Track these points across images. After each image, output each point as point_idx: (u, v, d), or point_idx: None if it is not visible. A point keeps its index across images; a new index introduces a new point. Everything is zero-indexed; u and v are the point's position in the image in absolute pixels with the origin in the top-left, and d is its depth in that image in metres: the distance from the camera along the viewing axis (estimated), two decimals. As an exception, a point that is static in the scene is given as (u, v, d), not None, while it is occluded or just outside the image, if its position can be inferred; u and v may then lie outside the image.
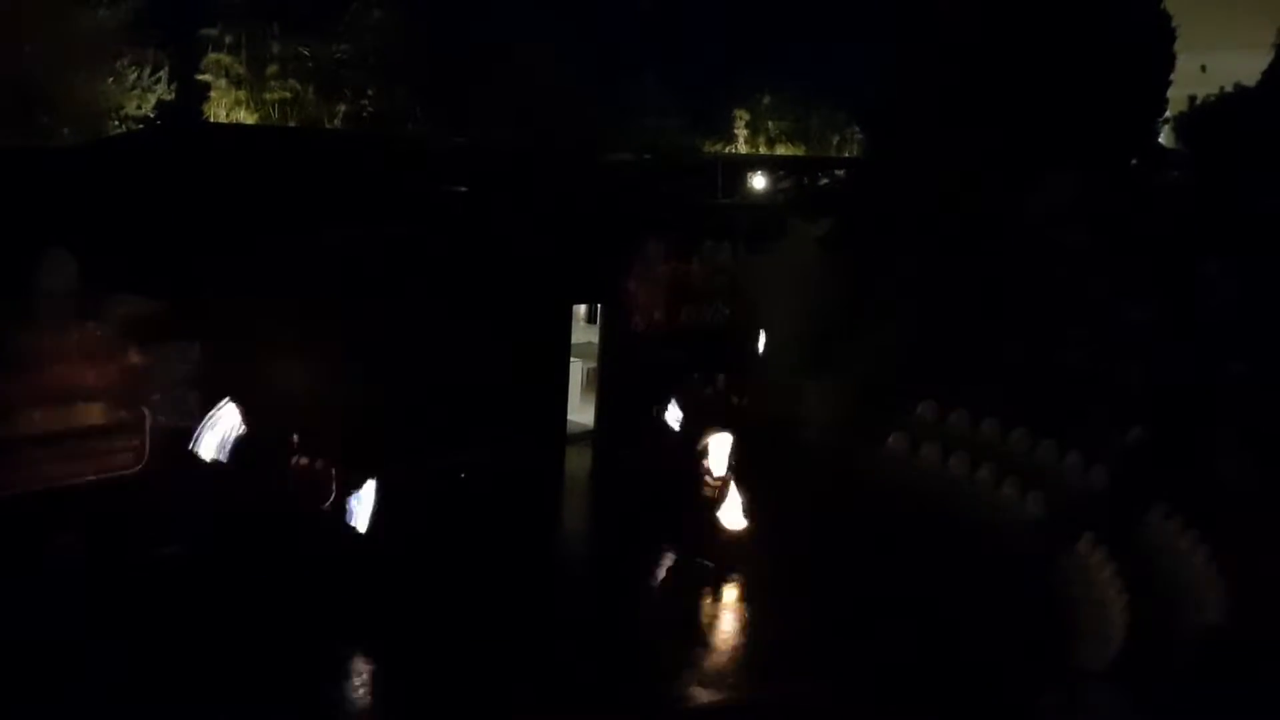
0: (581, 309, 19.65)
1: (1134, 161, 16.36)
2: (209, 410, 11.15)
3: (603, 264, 16.99)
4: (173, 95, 20.07)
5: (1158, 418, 13.07)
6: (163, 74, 19.82)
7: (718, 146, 29.33)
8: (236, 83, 21.59)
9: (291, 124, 21.79)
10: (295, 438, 11.54)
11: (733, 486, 12.77)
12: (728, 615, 11.78)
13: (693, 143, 28.73)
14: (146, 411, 10.94)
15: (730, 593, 12.13)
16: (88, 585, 9.95)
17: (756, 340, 17.66)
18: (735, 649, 10.87)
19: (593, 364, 18.85)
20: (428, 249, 15.59)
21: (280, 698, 8.98)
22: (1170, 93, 16.77)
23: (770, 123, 30.34)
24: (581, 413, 18.62)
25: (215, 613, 9.96)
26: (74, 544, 10.15)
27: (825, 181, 26.04)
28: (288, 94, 21.92)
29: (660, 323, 17.38)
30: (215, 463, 11.07)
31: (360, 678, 9.65)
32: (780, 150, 29.89)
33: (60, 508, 10.36)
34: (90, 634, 9.41)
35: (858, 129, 30.29)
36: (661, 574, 12.58)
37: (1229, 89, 16.44)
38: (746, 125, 29.99)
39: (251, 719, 8.77)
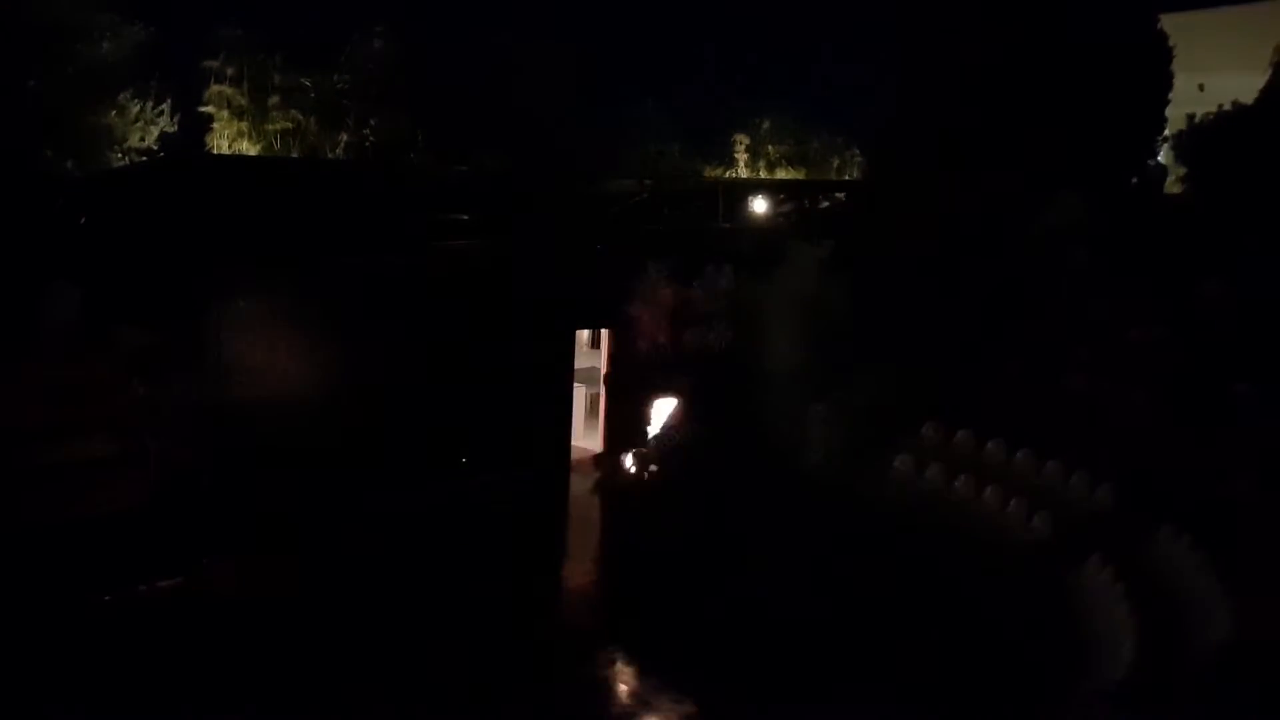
0: (584, 334, 19.68)
1: (1134, 180, 16.41)
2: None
3: (605, 289, 17.03)
4: (175, 127, 20.12)
5: (1161, 437, 13.02)
6: (165, 106, 19.88)
7: (718, 171, 29.35)
8: (239, 114, 21.64)
9: (294, 154, 21.85)
10: None
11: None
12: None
13: (693, 167, 28.80)
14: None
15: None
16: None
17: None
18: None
19: (596, 389, 18.87)
20: (429, 276, 15.65)
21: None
22: (1169, 111, 16.85)
23: (770, 147, 30.35)
24: (585, 438, 18.62)
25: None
26: None
27: (826, 204, 26.08)
28: (290, 124, 21.97)
29: (663, 347, 17.40)
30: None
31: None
32: (780, 174, 29.92)
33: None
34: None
35: (858, 152, 30.37)
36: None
37: (1227, 108, 16.51)
38: (746, 149, 30.00)
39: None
